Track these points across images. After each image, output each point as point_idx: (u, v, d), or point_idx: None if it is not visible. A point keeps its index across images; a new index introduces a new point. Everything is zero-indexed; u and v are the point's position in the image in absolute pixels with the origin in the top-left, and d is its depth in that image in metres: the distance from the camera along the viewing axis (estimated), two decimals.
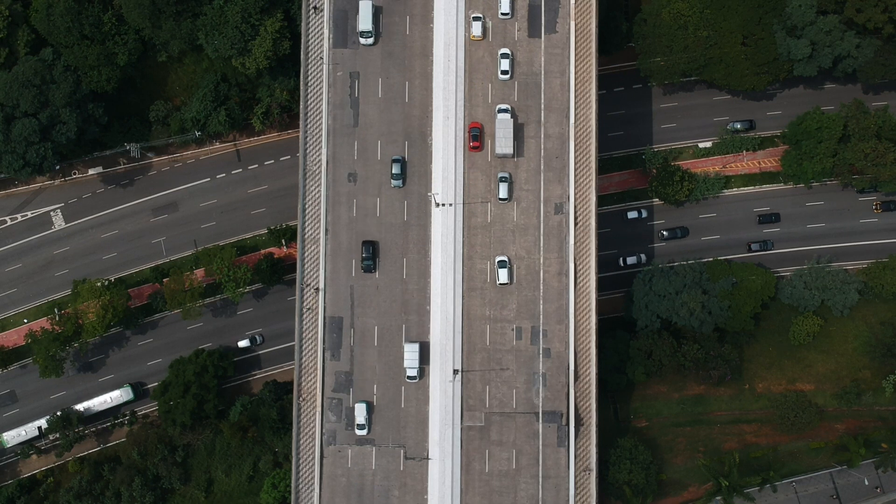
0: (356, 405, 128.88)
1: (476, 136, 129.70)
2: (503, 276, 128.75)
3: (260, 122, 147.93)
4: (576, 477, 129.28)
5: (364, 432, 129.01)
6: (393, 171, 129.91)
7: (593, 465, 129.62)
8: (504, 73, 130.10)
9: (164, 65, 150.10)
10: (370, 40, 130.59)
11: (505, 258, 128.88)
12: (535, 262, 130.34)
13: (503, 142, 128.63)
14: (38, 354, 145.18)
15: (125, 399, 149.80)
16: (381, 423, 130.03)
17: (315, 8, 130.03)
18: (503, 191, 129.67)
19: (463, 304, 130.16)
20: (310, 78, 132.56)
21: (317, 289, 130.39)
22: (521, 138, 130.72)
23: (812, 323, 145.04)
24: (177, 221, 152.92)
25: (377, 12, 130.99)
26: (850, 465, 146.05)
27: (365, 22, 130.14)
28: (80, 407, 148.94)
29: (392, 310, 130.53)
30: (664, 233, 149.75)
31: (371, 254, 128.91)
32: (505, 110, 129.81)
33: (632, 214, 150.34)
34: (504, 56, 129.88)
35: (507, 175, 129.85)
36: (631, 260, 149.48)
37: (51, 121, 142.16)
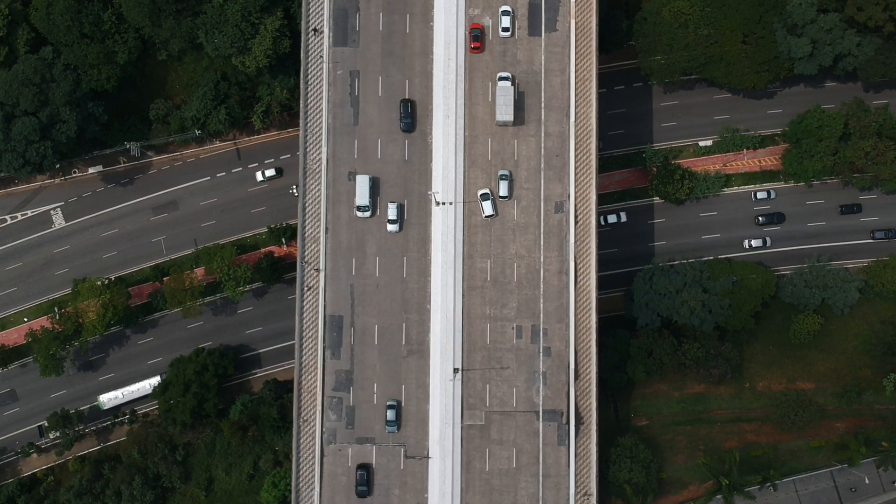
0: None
1: (477, 37, 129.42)
2: (503, 188, 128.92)
3: (260, 121, 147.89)
4: (576, 476, 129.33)
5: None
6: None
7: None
8: (505, 29, 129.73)
9: (164, 63, 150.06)
10: (367, 213, 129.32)
11: (506, 172, 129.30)
12: (536, 260, 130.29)
13: (503, 109, 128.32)
14: (38, 353, 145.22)
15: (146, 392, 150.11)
16: (381, 421, 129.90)
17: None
18: (503, 189, 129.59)
19: (463, 303, 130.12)
20: (310, 76, 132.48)
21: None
22: (522, 107, 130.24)
23: (812, 321, 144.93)
24: (177, 220, 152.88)
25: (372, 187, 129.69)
26: (850, 464, 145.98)
27: (363, 197, 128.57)
28: (119, 393, 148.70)
29: (392, 308, 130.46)
30: (760, 218, 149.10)
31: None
32: (505, 78, 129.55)
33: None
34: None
35: (507, 173, 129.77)
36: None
37: (51, 119, 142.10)
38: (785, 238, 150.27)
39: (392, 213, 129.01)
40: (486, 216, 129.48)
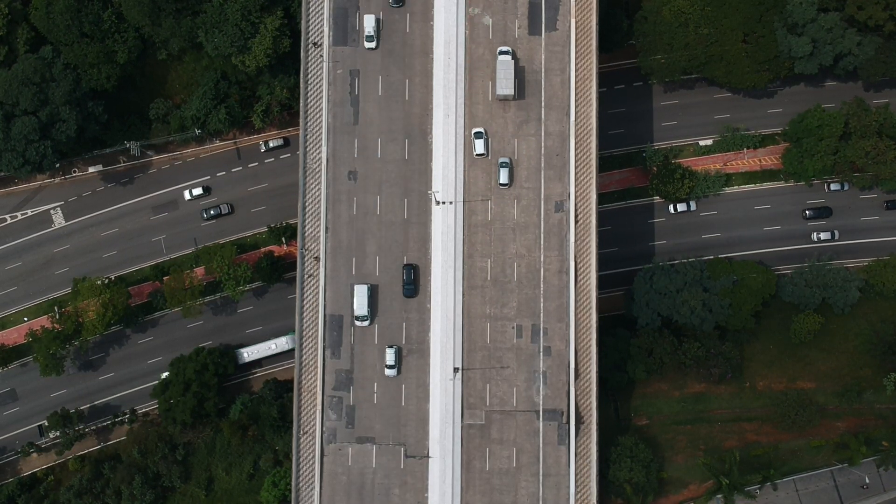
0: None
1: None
2: (504, 176, 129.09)
3: (260, 120, 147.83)
4: (576, 475, 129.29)
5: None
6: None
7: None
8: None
9: (163, 63, 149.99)
10: (366, 323, 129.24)
11: (507, 160, 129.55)
12: (536, 259, 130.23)
13: (504, 83, 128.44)
14: (38, 353, 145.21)
15: (289, 347, 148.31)
16: (381, 421, 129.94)
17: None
18: (504, 176, 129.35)
19: (463, 302, 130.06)
20: (310, 76, 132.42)
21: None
22: (522, 81, 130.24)
23: (813, 321, 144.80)
24: (177, 219, 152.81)
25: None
26: (850, 464, 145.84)
27: (361, 307, 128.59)
28: (245, 352, 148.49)
29: (392, 308, 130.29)
30: (807, 212, 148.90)
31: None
32: (506, 52, 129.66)
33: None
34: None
35: (507, 160, 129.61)
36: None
37: (51, 119, 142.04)
38: (785, 237, 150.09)
39: (390, 358, 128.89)
40: (477, 154, 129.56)
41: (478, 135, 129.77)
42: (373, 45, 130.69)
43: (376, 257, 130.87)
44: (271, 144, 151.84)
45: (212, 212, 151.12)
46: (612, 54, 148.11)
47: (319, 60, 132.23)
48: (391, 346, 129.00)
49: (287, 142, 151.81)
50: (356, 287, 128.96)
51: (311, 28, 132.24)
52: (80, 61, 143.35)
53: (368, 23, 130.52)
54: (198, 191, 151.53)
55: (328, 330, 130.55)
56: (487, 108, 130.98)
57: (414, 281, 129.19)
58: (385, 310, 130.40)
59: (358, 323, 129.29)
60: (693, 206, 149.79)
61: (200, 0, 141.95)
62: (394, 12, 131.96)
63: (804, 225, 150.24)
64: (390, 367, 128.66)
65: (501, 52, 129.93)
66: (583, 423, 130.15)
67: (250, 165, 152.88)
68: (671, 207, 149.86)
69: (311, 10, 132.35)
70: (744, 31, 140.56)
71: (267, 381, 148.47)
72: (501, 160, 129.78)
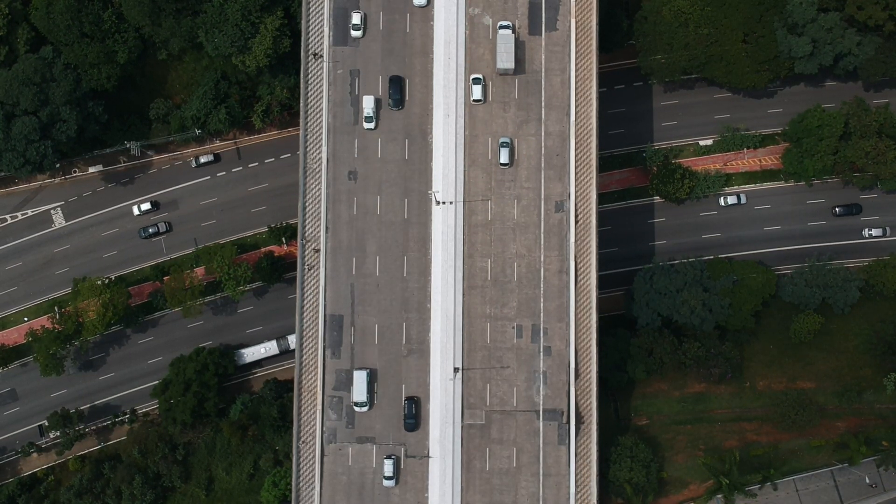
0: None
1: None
2: (504, 155, 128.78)
3: (260, 120, 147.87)
4: (576, 475, 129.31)
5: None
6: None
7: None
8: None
9: (164, 63, 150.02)
10: (365, 409, 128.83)
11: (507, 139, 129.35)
12: (536, 259, 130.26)
13: (504, 56, 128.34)
14: (38, 353, 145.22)
15: (274, 352, 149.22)
16: (381, 421, 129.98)
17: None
18: (504, 156, 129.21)
19: (463, 302, 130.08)
20: (310, 76, 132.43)
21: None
22: (522, 59, 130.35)
23: (813, 321, 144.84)
24: (177, 219, 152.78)
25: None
26: (850, 463, 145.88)
27: (360, 393, 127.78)
28: (257, 350, 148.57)
29: (392, 308, 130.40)
30: (837, 209, 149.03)
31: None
32: (506, 26, 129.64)
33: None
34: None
35: (507, 140, 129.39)
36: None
37: (51, 119, 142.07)
38: (785, 237, 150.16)
39: (388, 469, 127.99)
40: (475, 100, 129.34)
41: (476, 80, 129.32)
42: (372, 125, 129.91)
43: (376, 257, 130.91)
44: (202, 160, 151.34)
45: (150, 230, 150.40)
46: (612, 54, 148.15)
47: (319, 60, 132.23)
48: (389, 458, 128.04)
49: (218, 157, 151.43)
50: (356, 373, 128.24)
51: (311, 28, 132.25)
52: (80, 61, 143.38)
53: (368, 104, 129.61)
54: (146, 206, 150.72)
55: (328, 330, 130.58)
56: (487, 108, 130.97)
57: (415, 415, 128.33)
58: (385, 309, 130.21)
59: (357, 409, 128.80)
60: (744, 199, 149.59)
61: (200, 0, 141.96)
62: (394, 12, 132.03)
63: (804, 224, 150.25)
64: (388, 478, 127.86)
65: (501, 27, 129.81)
66: (583, 422, 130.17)
67: (250, 165, 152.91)
68: (721, 200, 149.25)
69: (311, 9, 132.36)
70: (744, 31, 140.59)
71: (267, 381, 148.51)
72: (502, 140, 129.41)
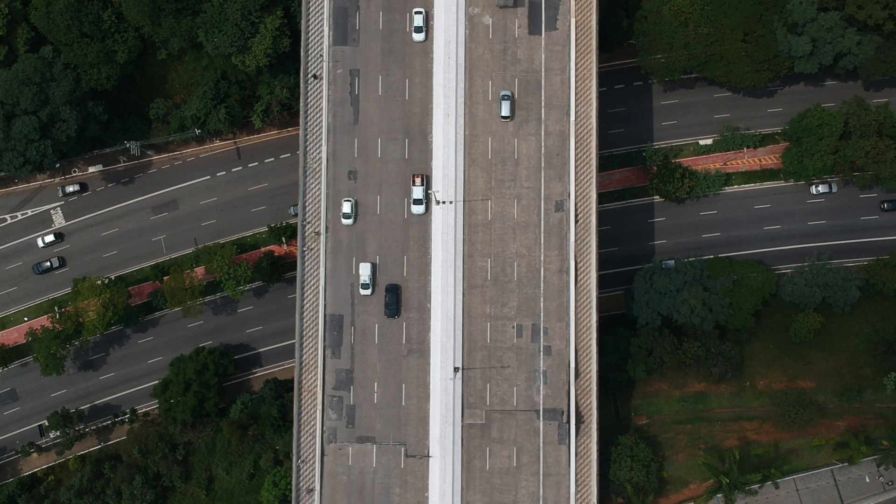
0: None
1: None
2: (505, 108, 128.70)
3: (260, 120, 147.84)
4: (576, 475, 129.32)
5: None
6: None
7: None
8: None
9: (163, 62, 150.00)
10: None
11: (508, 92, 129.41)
12: (536, 259, 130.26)
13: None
14: (38, 352, 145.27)
15: None
16: (381, 420, 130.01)
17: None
18: (505, 109, 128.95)
19: (463, 302, 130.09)
20: (310, 75, 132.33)
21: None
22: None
23: (813, 320, 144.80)
24: (177, 219, 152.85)
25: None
26: (850, 463, 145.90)
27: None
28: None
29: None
30: (885, 204, 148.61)
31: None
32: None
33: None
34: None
35: (509, 94, 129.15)
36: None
37: (51, 118, 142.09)
38: (785, 237, 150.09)
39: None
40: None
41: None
42: (350, 221, 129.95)
43: (376, 257, 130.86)
44: (69, 189, 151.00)
45: (45, 264, 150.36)
46: (612, 54, 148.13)
47: (320, 60, 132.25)
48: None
49: (85, 187, 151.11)
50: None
51: (310, 28, 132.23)
52: (80, 61, 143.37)
53: (346, 206, 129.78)
54: (49, 238, 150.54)
55: (328, 330, 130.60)
56: (487, 108, 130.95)
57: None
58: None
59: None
60: (835, 187, 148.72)
61: (200, 0, 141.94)
62: (394, 12, 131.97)
63: (805, 224, 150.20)
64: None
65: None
66: (583, 422, 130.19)
67: (250, 165, 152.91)
68: (813, 189, 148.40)
69: (310, 9, 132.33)
70: (744, 30, 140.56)
71: (267, 380, 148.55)
72: (503, 93, 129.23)
